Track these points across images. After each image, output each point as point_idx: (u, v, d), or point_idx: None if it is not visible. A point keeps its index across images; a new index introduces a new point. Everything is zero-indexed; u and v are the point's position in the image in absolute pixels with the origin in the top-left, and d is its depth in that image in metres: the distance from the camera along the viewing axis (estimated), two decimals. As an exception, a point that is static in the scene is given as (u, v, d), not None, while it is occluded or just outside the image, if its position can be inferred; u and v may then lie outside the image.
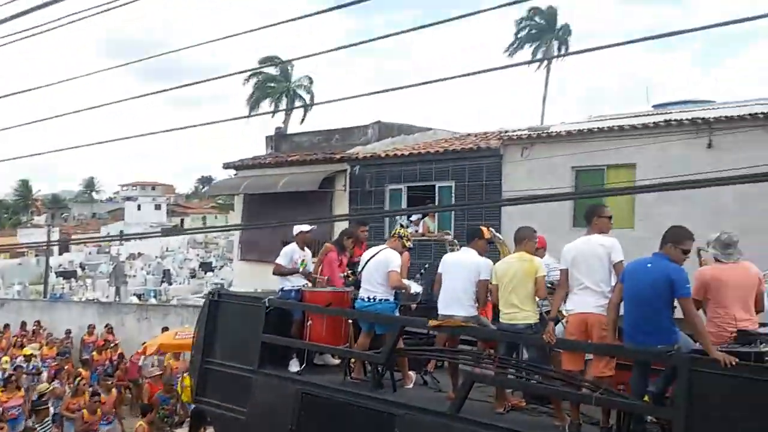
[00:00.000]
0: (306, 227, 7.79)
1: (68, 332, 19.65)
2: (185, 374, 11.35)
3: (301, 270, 7.56)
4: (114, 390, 12.60)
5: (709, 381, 4.52)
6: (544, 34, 38.94)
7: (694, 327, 4.78)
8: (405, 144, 16.72)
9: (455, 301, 6.18)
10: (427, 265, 7.55)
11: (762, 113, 10.73)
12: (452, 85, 76.36)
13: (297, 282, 7.54)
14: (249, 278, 18.03)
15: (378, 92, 5.23)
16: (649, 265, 4.97)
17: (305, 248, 7.75)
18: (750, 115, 10.83)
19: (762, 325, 5.19)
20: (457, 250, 7.07)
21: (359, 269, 6.94)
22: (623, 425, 5.02)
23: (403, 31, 4.37)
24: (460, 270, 6.26)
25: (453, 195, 13.89)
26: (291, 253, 7.58)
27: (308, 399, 6.69)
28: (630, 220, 11.58)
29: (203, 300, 8.34)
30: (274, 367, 7.19)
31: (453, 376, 6.31)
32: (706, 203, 10.78)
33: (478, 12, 4.04)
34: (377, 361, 6.50)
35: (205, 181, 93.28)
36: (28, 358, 15.70)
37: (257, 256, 16.87)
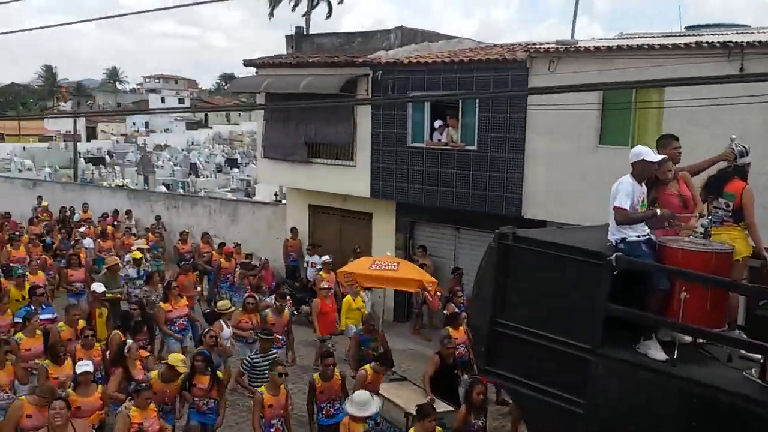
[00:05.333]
0: (653, 155, 5.58)
1: (158, 218, 19.52)
2: None
3: (659, 212, 5.55)
4: (287, 311, 11.08)
5: None
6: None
7: None
8: (429, 51, 16.27)
9: None
10: None
11: (800, 38, 10.38)
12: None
13: (641, 229, 5.51)
14: (271, 176, 18.55)
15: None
16: None
17: (642, 183, 5.66)
18: (786, 40, 10.48)
19: None
20: None
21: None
22: None
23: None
24: None
25: (477, 106, 13.69)
26: (632, 191, 5.52)
27: (703, 404, 4.72)
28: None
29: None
30: (621, 350, 5.24)
31: None
32: (734, 126, 10.60)
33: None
34: None
35: (227, 78, 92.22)
36: (137, 261, 13.55)
37: (280, 154, 17.05)
